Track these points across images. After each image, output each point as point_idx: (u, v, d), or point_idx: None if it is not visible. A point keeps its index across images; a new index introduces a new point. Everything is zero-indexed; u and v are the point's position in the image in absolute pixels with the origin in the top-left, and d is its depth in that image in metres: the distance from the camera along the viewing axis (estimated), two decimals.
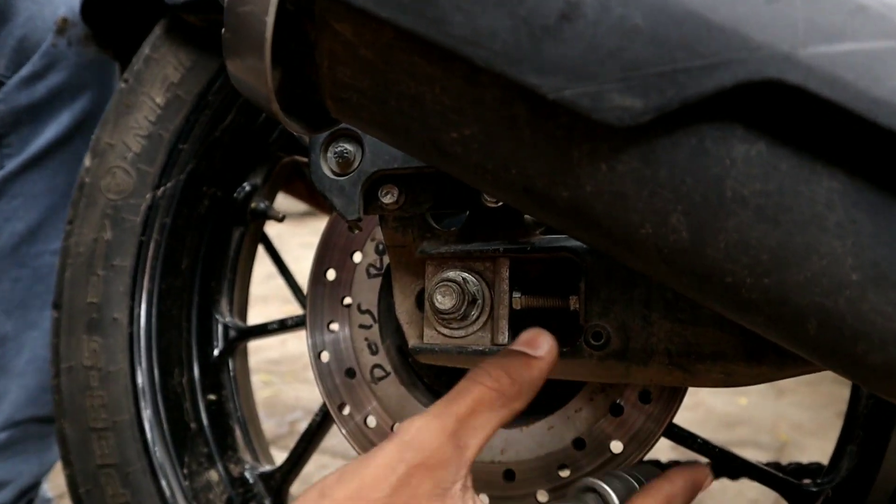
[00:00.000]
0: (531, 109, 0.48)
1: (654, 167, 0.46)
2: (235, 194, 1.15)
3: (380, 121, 0.55)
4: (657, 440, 0.83)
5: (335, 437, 2.11)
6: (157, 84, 1.05)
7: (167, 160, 1.05)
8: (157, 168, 1.05)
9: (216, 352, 1.13)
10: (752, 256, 0.46)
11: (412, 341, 0.81)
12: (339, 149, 0.78)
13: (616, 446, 0.84)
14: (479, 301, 0.76)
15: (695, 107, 0.43)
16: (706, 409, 2.49)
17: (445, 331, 0.77)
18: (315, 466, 1.93)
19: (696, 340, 0.69)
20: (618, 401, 0.83)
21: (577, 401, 0.84)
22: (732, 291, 0.49)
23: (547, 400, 0.87)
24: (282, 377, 2.80)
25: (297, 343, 3.11)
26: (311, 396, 2.57)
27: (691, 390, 0.84)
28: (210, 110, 1.06)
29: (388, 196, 0.78)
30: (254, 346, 2.45)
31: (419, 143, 0.55)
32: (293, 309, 2.74)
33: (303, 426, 2.37)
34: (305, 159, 1.16)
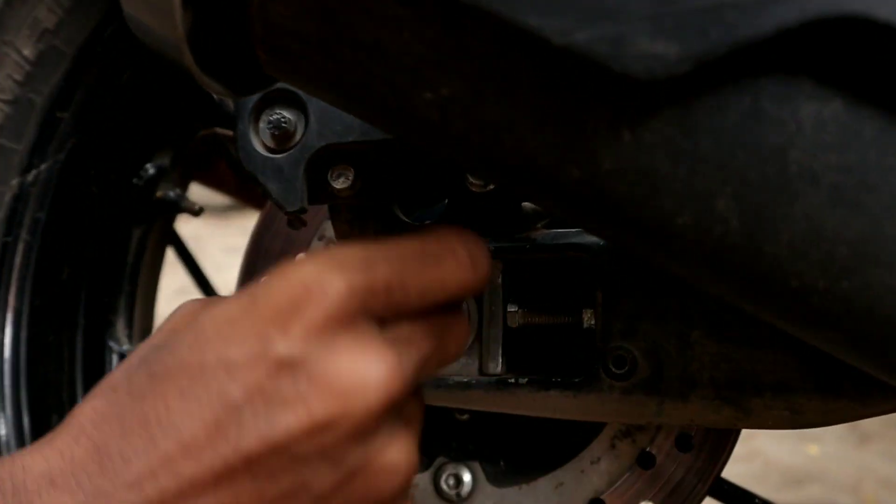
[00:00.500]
0: (531, 60, 0.48)
1: (693, 136, 0.46)
2: (135, 180, 1.14)
3: (329, 78, 0.55)
4: (701, 500, 0.84)
5: None
6: (23, 31, 1.04)
7: (40, 134, 1.04)
8: (25, 145, 1.04)
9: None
10: (825, 252, 0.47)
11: None
12: (275, 117, 0.78)
13: None
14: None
15: (748, 54, 0.44)
16: (765, 460, 2.51)
17: None
18: None
19: (751, 367, 0.70)
20: (648, 448, 0.84)
21: (595, 449, 0.85)
22: (799, 299, 0.49)
23: (554, 448, 0.88)
24: None
25: None
26: None
27: (745, 434, 0.85)
28: (98, 67, 1.05)
29: (341, 179, 0.78)
30: None
31: (382, 108, 0.55)
32: None
33: None
34: (230, 132, 1.16)
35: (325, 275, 0.56)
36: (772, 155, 0.46)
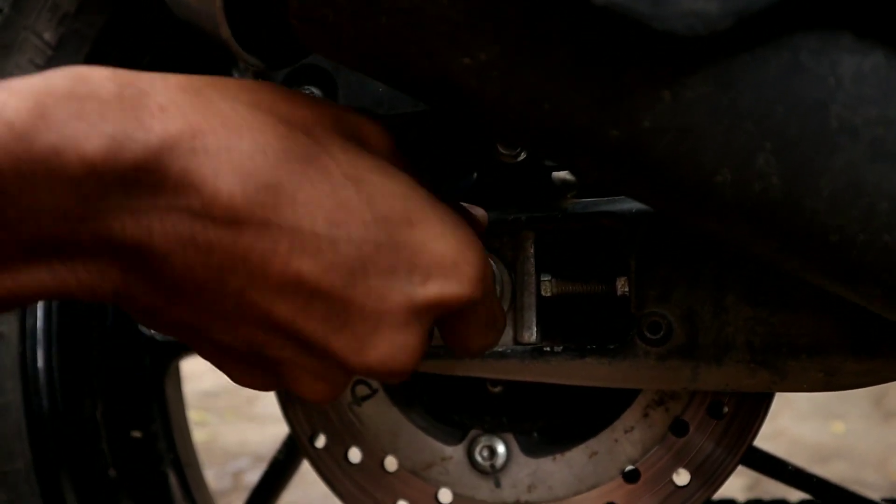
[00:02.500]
0: (570, 21, 0.49)
1: (733, 92, 0.47)
2: None
3: (365, 47, 0.56)
4: (734, 468, 0.85)
5: (296, 489, 2.12)
6: (44, 14, 1.05)
7: None
8: None
9: (141, 374, 1.14)
10: (865, 206, 0.47)
11: None
12: (305, 92, 0.79)
13: (681, 477, 0.85)
14: (498, 288, 0.77)
15: (787, 8, 0.44)
16: (791, 438, 2.52)
17: None
18: None
19: (786, 330, 0.70)
20: (681, 416, 0.84)
21: (628, 417, 0.86)
22: (839, 254, 0.50)
23: (587, 417, 0.89)
24: (220, 415, 2.80)
25: None
26: (259, 438, 2.58)
27: (769, 413, 0.85)
28: (120, 50, 1.06)
29: None
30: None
31: (419, 76, 0.56)
32: None
33: (250, 478, 2.37)
34: None
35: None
36: (812, 109, 0.47)
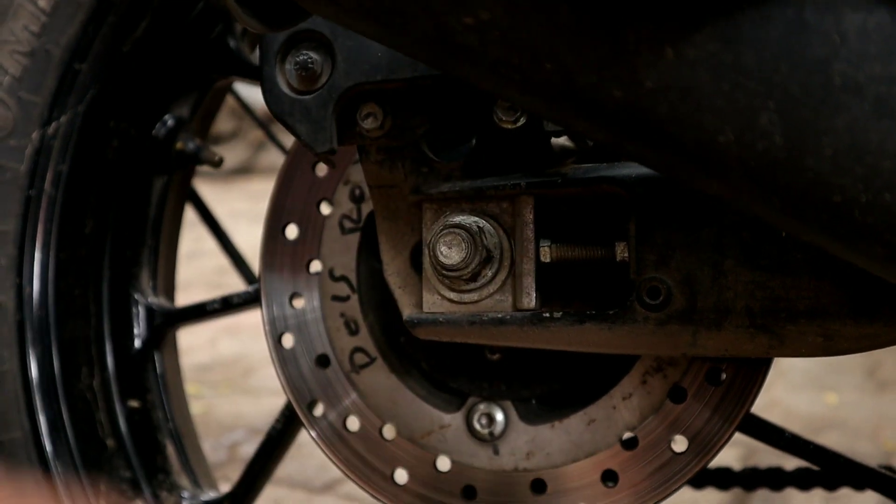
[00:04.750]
0: None
1: (737, 50, 0.47)
2: (154, 131, 1.15)
3: (366, 7, 0.56)
4: (731, 435, 0.85)
5: (292, 462, 2.12)
6: None
7: (59, 86, 1.05)
8: (45, 97, 1.04)
9: (138, 343, 1.14)
10: (869, 165, 0.47)
11: (407, 311, 0.82)
12: (302, 58, 0.78)
13: (679, 444, 0.86)
14: (496, 254, 0.77)
15: None
16: (784, 409, 2.53)
17: (452, 294, 0.78)
18: (268, 501, 1.95)
19: (785, 294, 0.71)
20: (679, 382, 0.85)
21: (626, 384, 0.86)
22: (842, 214, 0.50)
23: (585, 384, 0.89)
24: (214, 388, 2.81)
25: (231, 342, 3.12)
26: (255, 410, 2.58)
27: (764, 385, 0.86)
28: (116, 16, 1.05)
29: (370, 119, 0.79)
30: None
31: (421, 36, 0.55)
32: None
33: (245, 450, 2.38)
34: (248, 80, 1.17)
35: None
36: (815, 67, 0.47)
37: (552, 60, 0.52)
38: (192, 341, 3.05)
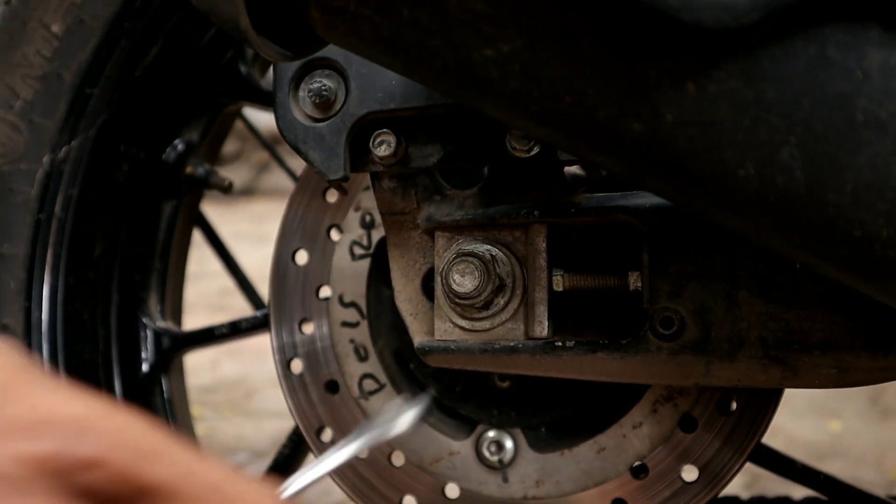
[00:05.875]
0: (594, 14, 0.49)
1: (759, 86, 0.47)
2: (164, 156, 1.15)
3: (385, 38, 0.56)
4: (742, 465, 0.85)
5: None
6: (51, 6, 1.05)
7: (70, 110, 1.05)
8: (56, 121, 1.05)
9: (145, 367, 1.14)
10: (890, 200, 0.47)
11: (419, 339, 0.82)
12: (316, 85, 0.79)
13: (689, 473, 0.85)
14: (509, 283, 0.77)
15: (815, 1, 0.44)
16: (787, 436, 2.52)
17: (464, 322, 0.78)
18: None
19: (799, 325, 0.70)
20: (690, 412, 0.84)
21: (637, 413, 0.86)
22: (862, 248, 0.50)
23: (595, 412, 0.89)
24: (217, 410, 2.80)
25: (233, 364, 3.11)
26: (257, 434, 2.57)
27: None
28: (128, 41, 1.06)
29: (384, 146, 0.79)
30: None
31: (440, 68, 0.55)
32: (229, 317, 2.73)
33: (249, 473, 2.37)
34: (259, 105, 1.17)
35: None
36: (838, 103, 0.47)
37: (572, 93, 0.52)
38: (194, 363, 3.04)
